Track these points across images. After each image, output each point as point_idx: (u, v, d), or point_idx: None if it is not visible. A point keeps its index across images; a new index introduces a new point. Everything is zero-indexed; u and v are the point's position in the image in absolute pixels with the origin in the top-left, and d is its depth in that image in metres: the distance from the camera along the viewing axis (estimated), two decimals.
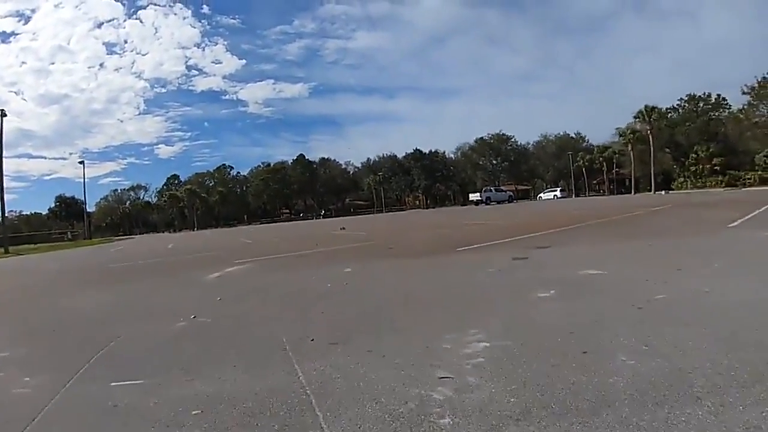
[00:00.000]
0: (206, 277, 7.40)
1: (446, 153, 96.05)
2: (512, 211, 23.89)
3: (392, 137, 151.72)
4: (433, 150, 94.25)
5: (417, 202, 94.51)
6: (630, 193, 57.01)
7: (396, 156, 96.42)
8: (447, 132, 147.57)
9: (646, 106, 57.19)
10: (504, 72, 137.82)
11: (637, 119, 59.18)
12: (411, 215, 36.97)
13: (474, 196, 57.04)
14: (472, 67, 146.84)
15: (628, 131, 60.37)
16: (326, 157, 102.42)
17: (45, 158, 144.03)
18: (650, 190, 52.02)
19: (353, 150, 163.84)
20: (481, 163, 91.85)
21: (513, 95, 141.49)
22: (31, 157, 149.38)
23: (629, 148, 60.16)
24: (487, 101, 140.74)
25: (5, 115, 39.22)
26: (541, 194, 65.16)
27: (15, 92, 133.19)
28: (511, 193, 60.66)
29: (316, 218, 73.50)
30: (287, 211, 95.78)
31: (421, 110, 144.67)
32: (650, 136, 56.30)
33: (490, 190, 57.73)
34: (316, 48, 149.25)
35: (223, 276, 7.42)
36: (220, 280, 7.05)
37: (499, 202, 51.85)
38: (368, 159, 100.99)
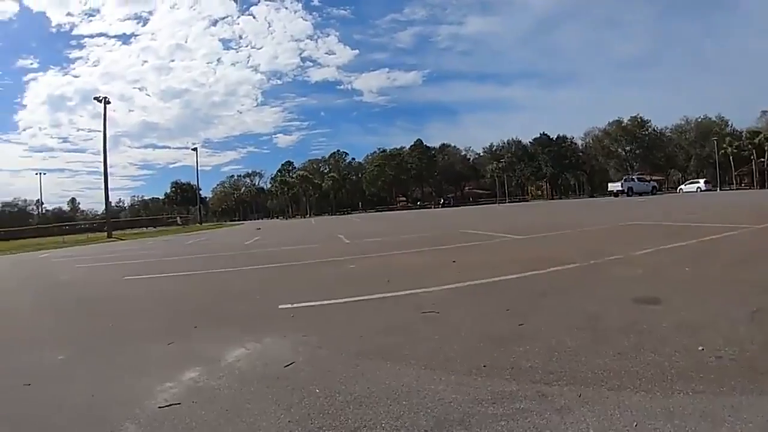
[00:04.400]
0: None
1: (574, 138, 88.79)
2: (701, 204, 19.86)
3: (508, 125, 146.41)
4: (561, 135, 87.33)
5: (540, 192, 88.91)
6: None
7: (520, 141, 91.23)
8: (565, 120, 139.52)
9: None
10: (622, 55, 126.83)
11: None
12: (553, 208, 33.03)
13: (613, 186, 52.51)
14: (588, 50, 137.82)
15: None
16: (445, 143, 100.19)
17: (169, 148, 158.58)
18: None
19: (469, 138, 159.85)
20: (613, 149, 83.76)
21: (632, 79, 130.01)
22: (156, 147, 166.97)
23: None
24: (605, 86, 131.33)
25: (108, 102, 42.46)
26: (682, 186, 58.38)
27: (139, 89, 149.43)
28: (655, 184, 54.53)
29: (435, 207, 71.33)
30: (404, 198, 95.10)
31: (537, 97, 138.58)
32: None
33: (632, 180, 52.58)
34: (428, 35, 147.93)
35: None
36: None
37: (641, 194, 47.42)
38: (491, 144, 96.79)
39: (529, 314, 4.01)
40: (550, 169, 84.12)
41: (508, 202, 73.02)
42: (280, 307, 5.28)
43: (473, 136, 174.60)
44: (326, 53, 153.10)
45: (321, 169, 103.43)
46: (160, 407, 2.86)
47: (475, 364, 2.97)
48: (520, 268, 6.31)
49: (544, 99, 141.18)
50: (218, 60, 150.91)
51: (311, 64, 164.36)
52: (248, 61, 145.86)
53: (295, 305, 5.28)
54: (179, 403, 2.88)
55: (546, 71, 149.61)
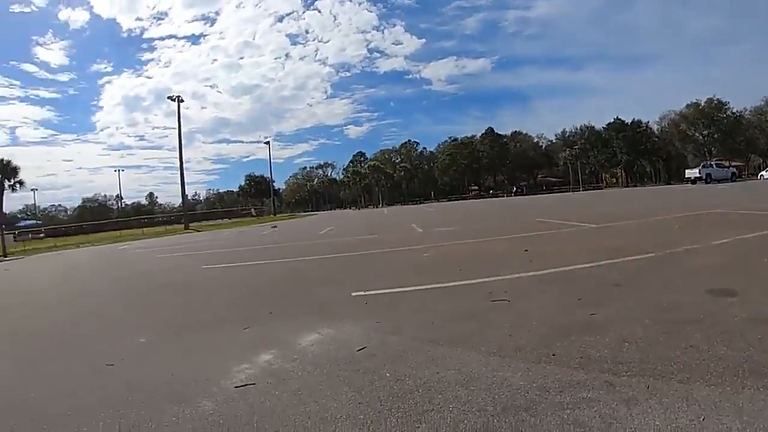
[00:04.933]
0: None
1: (649, 123, 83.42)
2: None
3: (580, 110, 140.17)
4: (635, 120, 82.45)
5: (615, 180, 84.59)
6: None
7: (593, 127, 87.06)
8: (640, 103, 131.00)
9: None
10: (699, 32, 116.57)
11: None
12: (628, 196, 31.61)
13: (691, 173, 49.72)
14: (663, 29, 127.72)
15: None
16: (517, 130, 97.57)
17: (242, 142, 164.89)
18: None
19: (541, 125, 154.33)
20: (689, 134, 77.89)
21: (710, 58, 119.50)
22: (229, 141, 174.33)
23: None
24: (681, 67, 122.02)
25: (182, 101, 45.20)
26: (763, 172, 54.35)
27: (210, 86, 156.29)
28: (735, 170, 50.89)
29: (507, 196, 69.94)
30: (476, 187, 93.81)
31: (610, 80, 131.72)
32: None
33: (711, 166, 49.52)
34: (495, 20, 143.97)
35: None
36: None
37: (719, 180, 44.55)
38: (563, 131, 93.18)
39: (601, 304, 3.99)
40: (625, 155, 79.90)
41: (582, 190, 70.27)
42: (353, 294, 5.50)
43: (545, 123, 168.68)
44: (393, 43, 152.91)
45: (392, 159, 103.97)
46: (235, 387, 3.08)
47: (545, 353, 3.02)
48: (594, 257, 6.25)
49: (617, 82, 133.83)
50: (286, 55, 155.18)
51: (378, 55, 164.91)
52: (316, 55, 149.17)
53: (368, 292, 5.48)
54: (254, 384, 3.09)
55: (619, 53, 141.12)
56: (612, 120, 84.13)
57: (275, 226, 30.10)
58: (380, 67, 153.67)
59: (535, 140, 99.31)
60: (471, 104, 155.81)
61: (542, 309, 4.05)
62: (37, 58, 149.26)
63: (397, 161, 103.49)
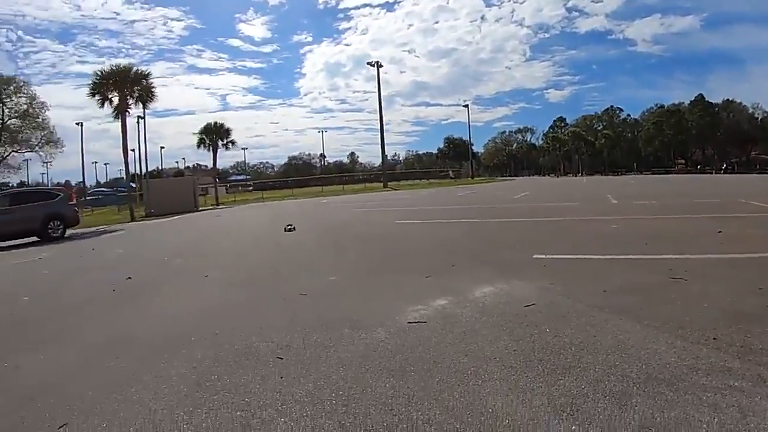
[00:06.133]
0: None
1: None
2: None
3: None
4: None
5: None
6: None
7: None
8: None
9: None
10: None
11: None
12: None
13: None
14: None
15: None
16: (730, 98, 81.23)
17: (441, 105, 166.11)
18: None
19: (758, 93, 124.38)
20: None
21: None
22: (428, 105, 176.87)
23: None
24: None
25: (381, 66, 47.03)
26: None
27: (407, 51, 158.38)
28: None
29: (715, 173, 59.49)
30: (682, 161, 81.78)
31: None
32: None
33: None
34: None
35: None
36: None
37: None
38: None
39: None
40: None
41: None
42: (534, 256, 5.76)
43: (763, 91, 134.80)
44: (592, 1, 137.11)
45: (594, 126, 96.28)
46: (409, 322, 3.54)
47: (706, 335, 2.96)
48: None
49: None
50: (482, 17, 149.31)
51: (578, 14, 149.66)
52: (512, 16, 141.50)
53: (548, 256, 5.71)
54: (425, 322, 3.52)
55: None
56: None
57: (472, 189, 30.85)
58: (580, 27, 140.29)
59: (750, 111, 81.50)
60: (677, 68, 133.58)
61: (718, 293, 3.89)
62: (242, 33, 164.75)
63: (599, 128, 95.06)
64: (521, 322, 3.36)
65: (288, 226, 10.96)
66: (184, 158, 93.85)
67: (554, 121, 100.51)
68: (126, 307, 5.06)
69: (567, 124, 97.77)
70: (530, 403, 2.19)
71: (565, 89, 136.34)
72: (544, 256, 5.77)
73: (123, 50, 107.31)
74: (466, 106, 70.98)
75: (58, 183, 54.31)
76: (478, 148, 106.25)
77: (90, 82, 26.60)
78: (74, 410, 2.57)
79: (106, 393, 2.77)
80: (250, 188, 57.23)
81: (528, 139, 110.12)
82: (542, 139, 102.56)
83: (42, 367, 3.39)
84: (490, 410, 2.16)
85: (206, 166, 56.55)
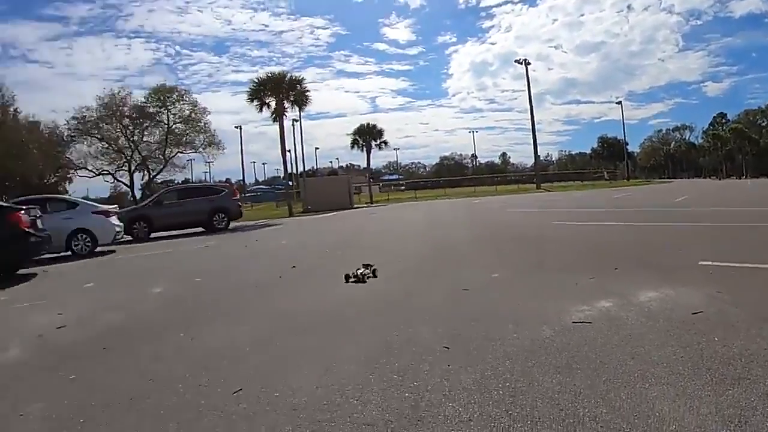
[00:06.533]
0: None
1: None
2: None
3: None
4: None
5: None
6: None
7: None
8: None
9: None
10: None
11: None
12: None
13: None
14: None
15: None
16: None
17: (592, 102, 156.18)
18: None
19: None
20: None
21: None
22: (579, 102, 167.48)
23: None
24: None
25: (529, 63, 45.28)
26: None
27: (554, 47, 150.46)
28: None
29: None
30: None
31: None
32: None
33: None
34: None
35: None
36: None
37: None
38: None
39: None
40: None
41: None
42: (700, 263, 5.48)
43: None
44: None
45: (758, 122, 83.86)
46: (573, 322, 3.56)
47: None
48: None
49: None
50: (628, 7, 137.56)
51: None
52: (660, 4, 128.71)
53: (716, 263, 5.40)
54: (590, 322, 3.53)
55: None
56: None
57: (628, 191, 29.46)
58: (734, 10, 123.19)
59: None
60: None
61: None
62: (386, 37, 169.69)
63: (763, 124, 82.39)
64: (689, 329, 3.29)
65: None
66: (337, 158, 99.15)
67: (714, 117, 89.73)
68: (293, 292, 5.66)
69: (728, 120, 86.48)
70: (697, 411, 2.17)
71: (724, 81, 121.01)
72: (710, 263, 5.51)
73: (274, 59, 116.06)
74: (619, 102, 66.59)
75: (219, 180, 59.99)
76: (633, 147, 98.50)
77: (247, 89, 29.54)
78: (247, 378, 2.97)
79: (276, 365, 3.18)
80: (403, 188, 59.34)
81: (686, 138, 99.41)
82: (702, 138, 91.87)
83: (216, 340, 3.89)
84: (657, 414, 2.18)
85: (359, 166, 59.64)
